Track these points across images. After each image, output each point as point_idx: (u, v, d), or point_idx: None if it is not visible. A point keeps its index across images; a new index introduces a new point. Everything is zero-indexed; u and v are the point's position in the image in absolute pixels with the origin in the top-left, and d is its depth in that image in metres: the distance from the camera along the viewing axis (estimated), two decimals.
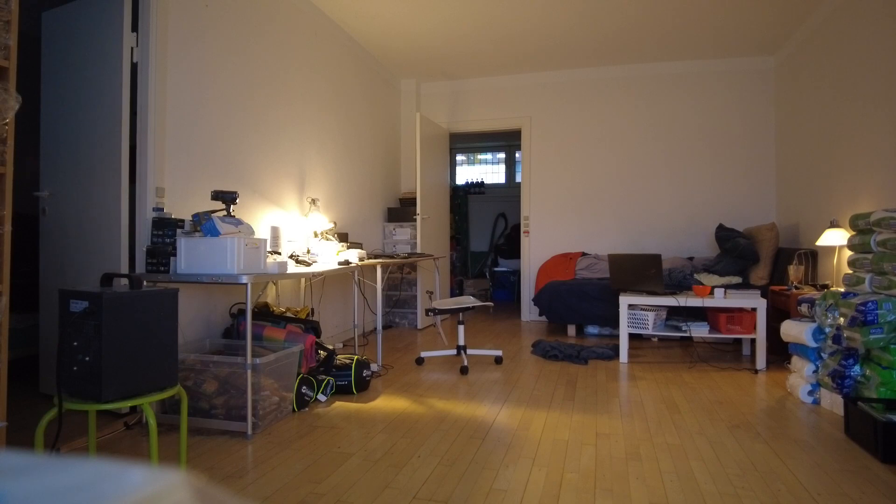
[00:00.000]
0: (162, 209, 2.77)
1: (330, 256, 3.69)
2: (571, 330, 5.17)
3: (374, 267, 4.08)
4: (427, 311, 3.86)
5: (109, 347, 1.76)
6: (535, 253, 6.11)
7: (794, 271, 3.90)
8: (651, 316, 4.10)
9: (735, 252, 4.74)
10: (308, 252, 3.93)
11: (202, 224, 2.59)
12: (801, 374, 3.06)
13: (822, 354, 2.93)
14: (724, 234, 4.92)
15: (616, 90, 5.89)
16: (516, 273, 8.09)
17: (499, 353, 4.06)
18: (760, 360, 3.74)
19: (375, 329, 4.54)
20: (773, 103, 5.46)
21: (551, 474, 2.08)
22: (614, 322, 4.75)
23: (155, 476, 0.18)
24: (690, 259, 5.37)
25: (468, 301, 4.04)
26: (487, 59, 5.62)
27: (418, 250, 5.35)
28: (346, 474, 2.09)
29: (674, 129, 5.73)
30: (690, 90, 5.68)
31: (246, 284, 2.47)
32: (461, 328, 3.98)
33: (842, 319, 2.75)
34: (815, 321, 3.00)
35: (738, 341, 4.51)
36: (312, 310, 3.83)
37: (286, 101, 3.96)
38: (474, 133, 6.65)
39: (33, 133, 3.28)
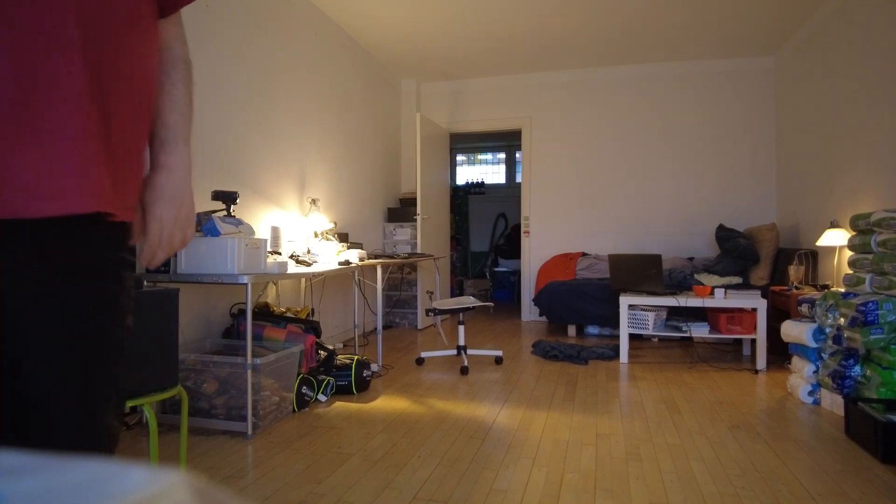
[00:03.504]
0: None
1: (330, 256, 3.69)
2: (572, 330, 5.17)
3: (374, 267, 4.08)
4: (427, 312, 3.86)
5: None
6: (535, 253, 6.11)
7: (795, 271, 3.90)
8: (651, 316, 4.09)
9: (735, 252, 4.74)
10: (308, 252, 3.93)
11: (202, 224, 2.59)
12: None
13: (823, 355, 2.93)
14: (724, 235, 4.92)
15: (616, 90, 5.88)
16: (516, 273, 8.09)
17: (499, 353, 4.06)
18: (761, 361, 3.74)
19: (375, 329, 4.54)
20: (774, 103, 5.46)
21: (551, 474, 2.08)
22: (614, 322, 4.74)
23: (155, 476, 0.18)
24: (691, 259, 5.37)
25: (468, 301, 4.04)
26: (488, 59, 5.62)
27: (418, 250, 5.35)
28: (346, 474, 2.09)
29: (674, 130, 5.73)
30: (690, 90, 5.68)
31: (246, 284, 2.47)
32: (461, 328, 3.98)
33: (842, 320, 2.75)
34: (815, 321, 3.00)
35: (739, 341, 4.51)
36: (312, 310, 3.83)
37: (286, 101, 3.96)
38: (474, 133, 6.64)
39: None
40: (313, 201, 4.10)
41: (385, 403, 3.00)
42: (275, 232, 3.49)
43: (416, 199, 5.48)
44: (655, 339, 4.89)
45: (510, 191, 9.28)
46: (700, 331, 3.98)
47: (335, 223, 4.53)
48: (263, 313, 3.24)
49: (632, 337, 4.78)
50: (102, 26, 0.75)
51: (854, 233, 3.08)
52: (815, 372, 2.97)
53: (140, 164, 0.85)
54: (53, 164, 0.70)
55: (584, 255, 5.74)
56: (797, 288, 3.82)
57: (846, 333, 2.71)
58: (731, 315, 3.88)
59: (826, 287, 3.69)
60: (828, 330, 2.87)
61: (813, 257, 4.29)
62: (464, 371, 3.69)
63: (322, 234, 4.03)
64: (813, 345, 2.95)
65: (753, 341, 4.00)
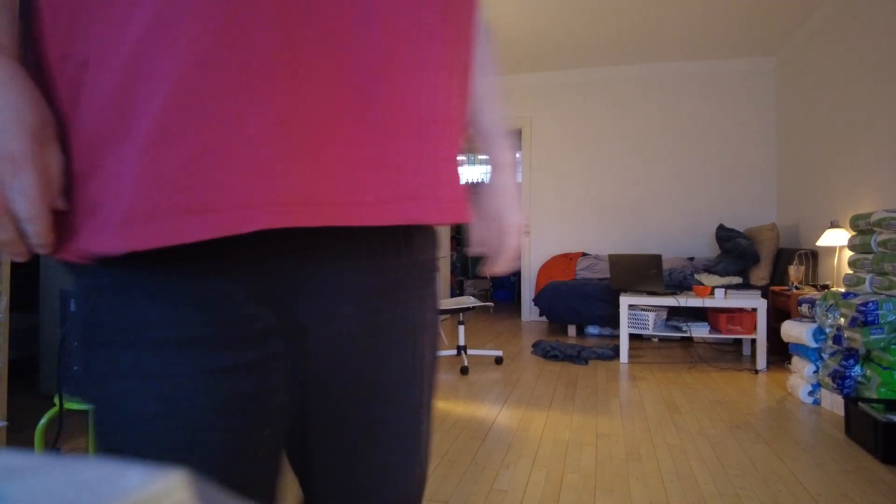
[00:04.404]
0: None
1: None
2: (572, 330, 5.17)
3: None
4: None
5: None
6: (535, 253, 6.11)
7: (795, 272, 3.90)
8: (651, 316, 4.10)
9: (735, 252, 4.74)
10: None
11: None
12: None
13: (823, 355, 2.93)
14: (724, 235, 4.92)
15: (616, 91, 5.88)
16: (516, 273, 8.09)
17: (499, 353, 4.05)
18: (761, 361, 3.73)
19: None
20: (774, 104, 5.46)
21: (551, 474, 2.08)
22: (615, 322, 4.74)
23: (155, 476, 0.18)
24: (691, 259, 5.37)
25: (468, 301, 4.04)
26: None
27: None
28: None
29: (674, 130, 5.73)
30: (691, 90, 5.68)
31: None
32: (461, 328, 3.97)
33: (842, 320, 2.75)
34: (815, 321, 3.00)
35: (739, 342, 4.51)
36: None
37: None
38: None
39: None
40: None
41: None
42: None
43: None
44: (655, 339, 4.89)
45: None
46: (700, 331, 3.98)
47: None
48: None
49: (632, 337, 4.78)
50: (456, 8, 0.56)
51: (854, 233, 3.08)
52: (816, 372, 2.97)
53: None
54: (450, 161, 0.57)
55: (584, 255, 5.74)
56: (797, 288, 3.82)
57: (846, 333, 2.71)
58: (732, 315, 3.88)
59: (826, 287, 3.69)
60: (828, 330, 2.87)
61: (813, 257, 4.29)
62: (464, 371, 3.69)
63: None
64: (813, 345, 2.95)
65: (753, 341, 4.00)
